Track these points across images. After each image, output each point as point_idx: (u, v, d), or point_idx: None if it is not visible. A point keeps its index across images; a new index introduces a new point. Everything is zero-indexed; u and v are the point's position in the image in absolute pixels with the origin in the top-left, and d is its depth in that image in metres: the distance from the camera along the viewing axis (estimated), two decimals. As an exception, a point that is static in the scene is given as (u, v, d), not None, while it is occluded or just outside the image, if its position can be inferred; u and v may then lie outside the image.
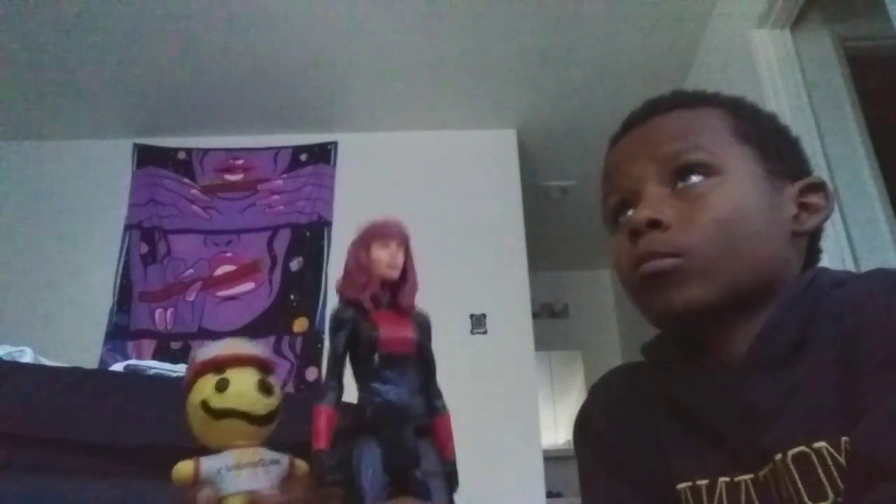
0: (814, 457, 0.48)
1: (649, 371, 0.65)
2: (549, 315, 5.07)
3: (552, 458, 3.70)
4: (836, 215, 1.96)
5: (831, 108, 2.12)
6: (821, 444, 0.48)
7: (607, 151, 0.68)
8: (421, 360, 0.61)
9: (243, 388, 0.49)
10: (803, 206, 0.60)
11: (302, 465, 0.52)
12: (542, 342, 3.56)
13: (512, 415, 2.84)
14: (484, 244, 3.16)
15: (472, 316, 3.00)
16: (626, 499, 0.59)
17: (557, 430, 4.72)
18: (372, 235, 0.64)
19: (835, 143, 2.07)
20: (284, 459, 0.51)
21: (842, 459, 0.47)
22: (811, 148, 2.06)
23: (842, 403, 0.49)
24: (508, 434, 2.78)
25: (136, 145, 3.34)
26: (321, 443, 0.56)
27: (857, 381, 0.48)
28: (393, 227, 0.65)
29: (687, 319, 0.56)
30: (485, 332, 2.99)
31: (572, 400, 4.89)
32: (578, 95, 3.17)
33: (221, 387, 0.48)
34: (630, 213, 0.60)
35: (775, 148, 0.61)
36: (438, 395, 0.63)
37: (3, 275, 3.07)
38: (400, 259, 0.62)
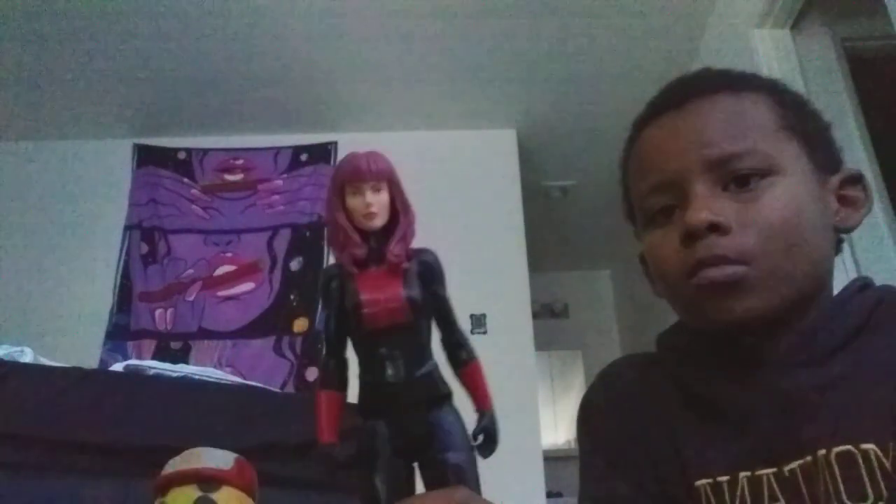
0: (860, 457, 0.47)
1: (663, 362, 0.62)
2: (549, 315, 5.07)
3: (552, 458, 3.70)
4: (836, 215, 1.96)
5: (831, 108, 2.12)
6: (869, 445, 0.47)
7: (631, 140, 0.62)
8: (433, 312, 0.53)
9: None
10: (842, 200, 0.58)
11: None
12: (542, 342, 3.56)
13: (512, 415, 2.83)
14: (484, 244, 3.16)
15: (472, 316, 3.00)
16: (624, 495, 0.57)
17: (557, 430, 4.72)
18: (341, 180, 0.55)
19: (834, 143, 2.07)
20: None
21: (888, 463, 0.46)
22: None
23: (893, 410, 0.48)
24: (508, 434, 2.75)
25: (136, 145, 3.34)
26: (325, 434, 0.49)
27: None
28: (364, 165, 0.56)
29: (744, 327, 0.53)
30: (485, 332, 2.99)
31: (572, 400, 4.89)
32: (578, 95, 3.16)
33: None
34: (672, 214, 0.56)
35: (818, 139, 0.58)
36: (461, 343, 0.55)
37: (4, 275, 3.07)
38: (378, 203, 0.52)
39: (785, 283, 0.52)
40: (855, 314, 0.53)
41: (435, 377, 0.54)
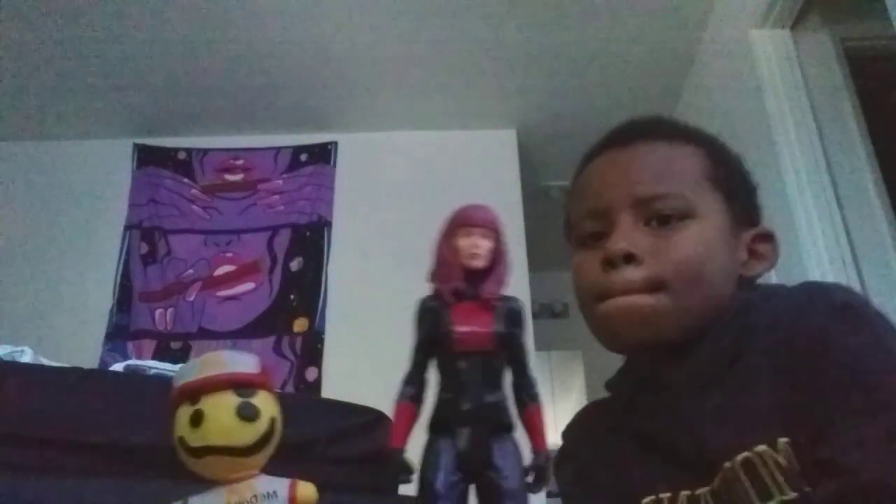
0: (757, 460, 0.51)
1: (613, 404, 0.71)
2: (549, 315, 5.07)
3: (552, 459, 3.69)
4: (836, 215, 1.96)
5: (831, 108, 2.12)
6: (762, 447, 0.51)
7: (581, 166, 0.70)
8: (508, 352, 0.60)
9: (220, 419, 0.43)
10: (752, 253, 0.64)
11: (306, 491, 0.46)
12: (542, 342, 3.56)
13: (511, 415, 2.84)
14: (484, 244, 3.16)
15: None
16: None
17: (557, 431, 4.71)
18: (456, 224, 0.62)
19: (835, 143, 2.07)
20: (283, 489, 0.45)
21: (780, 459, 0.50)
22: (811, 148, 2.06)
23: (779, 409, 0.52)
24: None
25: (136, 145, 3.34)
26: (394, 440, 0.55)
27: (801, 394, 0.51)
28: (477, 214, 0.63)
29: (646, 352, 0.60)
30: (485, 332, 2.99)
31: (572, 400, 4.89)
32: (578, 95, 3.16)
33: (196, 421, 0.43)
34: (601, 238, 0.63)
35: (740, 195, 0.65)
36: (530, 385, 0.62)
37: (3, 275, 3.06)
38: (484, 247, 0.60)
39: (689, 315, 0.58)
40: (732, 338, 0.58)
41: (502, 406, 0.62)
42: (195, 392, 0.44)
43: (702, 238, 0.59)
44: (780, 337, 0.54)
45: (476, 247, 0.61)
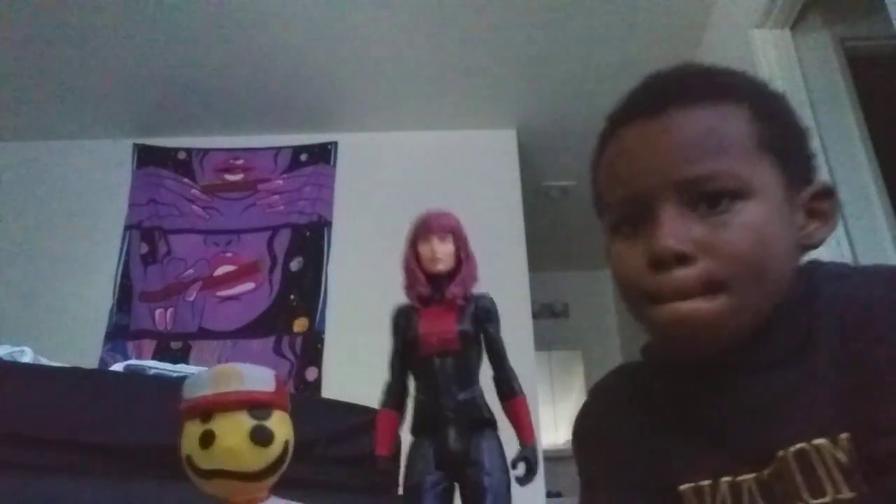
0: (814, 454, 0.48)
1: (650, 372, 0.63)
2: (549, 315, 5.07)
3: (552, 459, 3.70)
4: (836, 215, 1.96)
5: (831, 108, 2.12)
6: (821, 441, 0.48)
7: (607, 134, 0.61)
8: (484, 348, 0.60)
9: (232, 442, 0.40)
10: (810, 213, 0.56)
11: None
12: (542, 342, 3.56)
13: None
14: (484, 244, 3.15)
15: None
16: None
17: (557, 430, 4.72)
18: (415, 232, 0.63)
19: (835, 143, 2.07)
20: None
21: (841, 456, 0.47)
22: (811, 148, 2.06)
23: (842, 400, 0.49)
24: (508, 434, 2.78)
25: (136, 145, 3.35)
26: (379, 448, 0.55)
27: (870, 383, 0.48)
28: (434, 220, 0.64)
29: (712, 352, 0.53)
30: (485, 332, 2.99)
31: (572, 400, 4.90)
32: (578, 95, 3.17)
33: (206, 442, 0.40)
34: (639, 224, 0.55)
35: (793, 153, 0.56)
36: (509, 378, 0.62)
37: (4, 275, 3.07)
38: (443, 252, 0.60)
39: (753, 311, 0.52)
40: (801, 317, 0.53)
41: (479, 402, 0.62)
42: (207, 409, 0.41)
43: (760, 222, 0.51)
44: (852, 323, 0.50)
45: (434, 252, 0.62)
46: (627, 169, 0.56)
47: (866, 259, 1.90)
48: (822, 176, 0.61)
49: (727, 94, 0.56)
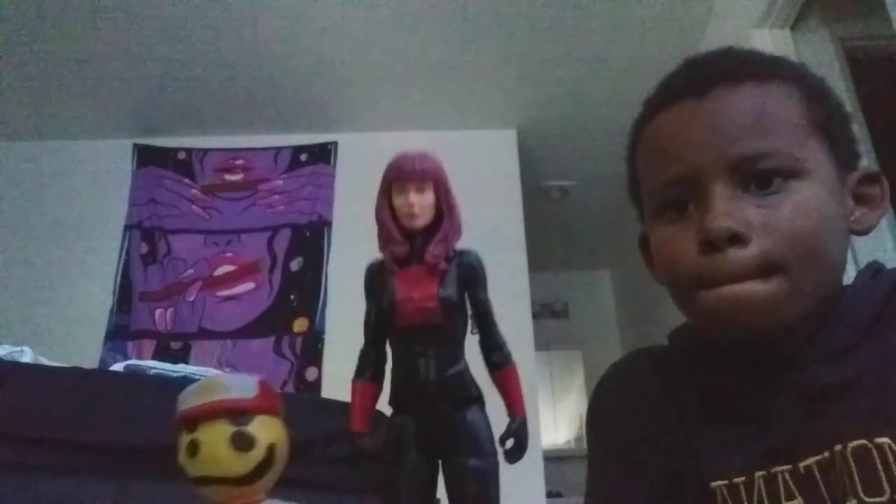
0: (875, 451, 0.47)
1: (677, 358, 0.60)
2: (549, 315, 5.07)
3: (552, 458, 3.70)
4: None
5: (831, 108, 2.12)
6: (884, 440, 0.46)
7: (646, 117, 0.58)
8: (471, 314, 0.55)
9: (213, 449, 0.43)
10: (858, 198, 0.55)
11: None
12: (542, 342, 3.56)
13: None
14: (484, 244, 3.14)
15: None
16: (638, 496, 0.56)
17: (557, 430, 4.72)
18: (388, 179, 0.56)
19: (835, 143, 2.06)
20: None
21: None
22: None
23: None
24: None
25: (136, 145, 3.34)
26: (356, 423, 0.51)
27: None
28: (409, 164, 0.57)
29: (765, 338, 0.51)
30: (485, 332, 2.99)
31: (572, 400, 4.90)
32: (578, 95, 3.17)
33: (192, 451, 0.43)
34: (685, 207, 0.53)
35: (841, 133, 0.55)
36: (498, 346, 0.57)
37: (3, 275, 3.07)
38: (420, 204, 0.54)
39: (810, 295, 0.50)
40: (868, 305, 0.52)
41: (465, 378, 0.57)
42: (192, 421, 0.43)
43: (814, 202, 0.50)
44: None
45: (410, 205, 0.55)
46: (674, 149, 0.53)
47: (866, 259, 1.89)
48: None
49: (774, 75, 0.54)
